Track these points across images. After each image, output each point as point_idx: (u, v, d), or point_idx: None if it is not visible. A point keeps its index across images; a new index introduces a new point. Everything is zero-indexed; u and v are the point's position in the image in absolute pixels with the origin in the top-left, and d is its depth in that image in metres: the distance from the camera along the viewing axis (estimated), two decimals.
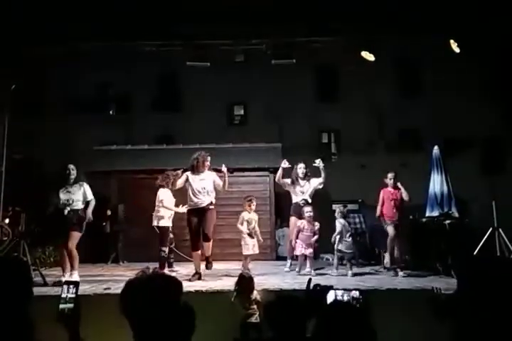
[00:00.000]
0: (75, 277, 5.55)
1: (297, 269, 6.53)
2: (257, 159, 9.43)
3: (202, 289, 5.14)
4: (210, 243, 6.09)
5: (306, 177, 6.94)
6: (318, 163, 6.78)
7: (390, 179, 6.73)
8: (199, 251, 6.12)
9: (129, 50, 8.58)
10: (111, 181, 9.07)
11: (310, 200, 6.90)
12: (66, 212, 5.73)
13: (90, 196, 5.93)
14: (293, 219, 6.90)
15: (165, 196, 6.69)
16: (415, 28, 8.38)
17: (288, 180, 6.97)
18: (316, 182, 6.96)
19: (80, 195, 5.85)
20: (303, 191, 6.89)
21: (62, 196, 5.78)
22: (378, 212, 6.75)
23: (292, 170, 7.00)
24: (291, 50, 7.84)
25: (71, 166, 5.89)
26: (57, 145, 13.51)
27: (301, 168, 6.92)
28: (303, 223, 6.54)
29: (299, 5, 12.61)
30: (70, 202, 5.77)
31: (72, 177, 5.87)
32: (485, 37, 8.94)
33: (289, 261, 7.01)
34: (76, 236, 5.76)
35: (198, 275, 5.89)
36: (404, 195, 6.63)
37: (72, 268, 5.74)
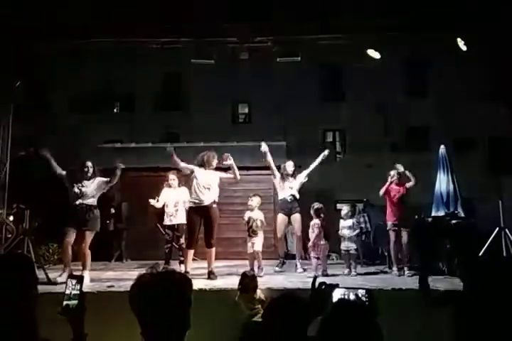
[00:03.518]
0: (85, 278, 5.48)
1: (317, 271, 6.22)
2: (261, 158, 9.39)
3: (205, 287, 5.13)
4: (213, 250, 6.06)
5: (294, 174, 7.00)
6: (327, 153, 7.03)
7: (393, 176, 6.67)
8: (193, 250, 6.13)
9: (133, 48, 8.56)
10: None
11: (298, 196, 6.93)
12: (77, 203, 5.73)
13: (105, 179, 5.91)
14: (281, 215, 6.89)
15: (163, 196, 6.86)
16: (422, 26, 8.33)
17: (278, 174, 6.99)
18: (302, 176, 7.02)
19: (92, 189, 5.84)
20: (291, 186, 6.93)
21: (75, 189, 5.80)
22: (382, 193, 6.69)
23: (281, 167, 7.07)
24: (297, 47, 7.80)
25: (89, 163, 5.92)
26: (61, 143, 13.54)
27: (289, 166, 7.01)
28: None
29: (305, 2, 12.59)
30: (81, 195, 5.78)
31: (89, 174, 5.89)
32: (493, 36, 8.88)
33: (282, 261, 6.97)
34: (90, 235, 5.76)
35: (187, 275, 5.86)
36: (412, 181, 6.59)
37: (84, 268, 5.74)
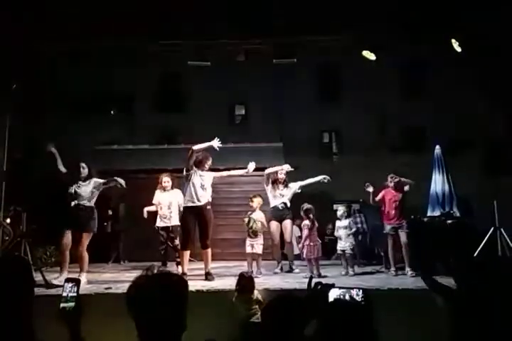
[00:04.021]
0: (83, 280, 5.49)
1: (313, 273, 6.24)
2: (258, 159, 9.39)
3: (203, 288, 5.14)
4: (209, 251, 6.08)
5: (285, 182, 7.02)
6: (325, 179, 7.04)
7: (390, 181, 6.70)
8: (189, 251, 6.15)
9: (132, 50, 8.58)
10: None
11: (289, 204, 6.96)
12: (73, 204, 5.77)
13: (101, 180, 5.94)
14: (273, 223, 6.90)
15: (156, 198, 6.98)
16: (417, 27, 8.38)
17: (270, 181, 7.02)
18: (296, 186, 7.06)
19: (88, 191, 5.86)
20: (282, 194, 6.96)
21: (71, 191, 5.85)
22: (376, 199, 6.74)
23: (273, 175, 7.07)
24: (293, 49, 7.85)
25: (82, 164, 5.95)
26: (59, 144, 13.50)
27: (281, 174, 7.00)
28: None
29: (301, 4, 12.62)
30: (76, 196, 5.81)
31: (84, 175, 5.91)
32: (487, 37, 8.93)
33: (280, 264, 6.96)
34: (87, 236, 5.78)
35: (185, 276, 5.87)
36: (407, 185, 6.65)
37: (81, 270, 5.75)
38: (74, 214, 5.78)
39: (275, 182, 6.98)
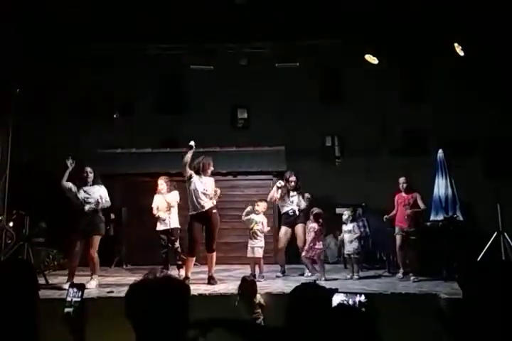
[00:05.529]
0: (94, 283, 5.60)
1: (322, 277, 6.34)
2: (261, 162, 9.43)
3: (206, 292, 5.13)
4: (214, 255, 6.09)
5: (296, 189, 7.01)
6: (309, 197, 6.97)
7: (402, 184, 6.66)
8: (194, 257, 6.13)
9: (133, 53, 8.61)
10: (114, 184, 9.04)
11: (298, 213, 6.96)
12: (87, 208, 5.82)
13: (107, 199, 6.03)
14: (283, 228, 6.96)
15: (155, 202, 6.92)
16: (419, 30, 8.39)
17: (277, 195, 6.99)
18: (304, 199, 7.00)
19: (95, 195, 5.95)
20: (293, 201, 6.98)
21: (82, 196, 5.86)
22: (391, 215, 6.69)
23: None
24: (295, 53, 7.87)
25: (88, 169, 6.02)
26: (61, 148, 13.53)
27: (292, 182, 7.01)
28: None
29: (303, 7, 12.64)
30: (86, 201, 5.88)
31: (90, 179, 5.94)
32: (489, 39, 8.93)
33: (282, 268, 6.95)
34: (98, 240, 5.83)
35: (188, 280, 5.85)
36: (420, 204, 6.58)
37: (93, 273, 5.80)
38: (84, 218, 5.82)
39: (287, 191, 7.00)
